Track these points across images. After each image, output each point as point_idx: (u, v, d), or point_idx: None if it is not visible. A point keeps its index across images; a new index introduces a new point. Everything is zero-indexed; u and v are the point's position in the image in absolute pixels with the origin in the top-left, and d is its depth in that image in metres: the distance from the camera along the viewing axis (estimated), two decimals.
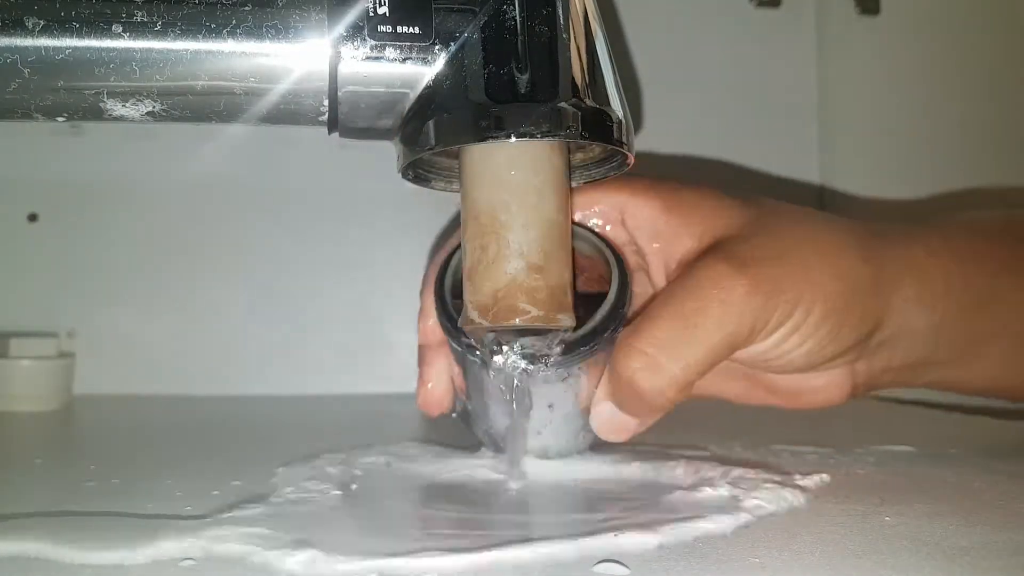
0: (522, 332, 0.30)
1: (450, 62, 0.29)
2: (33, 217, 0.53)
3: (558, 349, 0.31)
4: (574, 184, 0.33)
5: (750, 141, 0.61)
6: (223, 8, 0.28)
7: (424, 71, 0.29)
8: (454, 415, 0.36)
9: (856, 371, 0.35)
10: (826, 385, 0.35)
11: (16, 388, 0.46)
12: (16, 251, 0.52)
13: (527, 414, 0.32)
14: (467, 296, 0.30)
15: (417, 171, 0.33)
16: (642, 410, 0.32)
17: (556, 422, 0.34)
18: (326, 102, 0.30)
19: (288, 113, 0.30)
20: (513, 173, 0.30)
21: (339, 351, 0.55)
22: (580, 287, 0.34)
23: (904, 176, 0.62)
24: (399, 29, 0.29)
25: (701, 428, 0.46)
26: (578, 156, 0.33)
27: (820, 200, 0.62)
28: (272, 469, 0.32)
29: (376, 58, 0.29)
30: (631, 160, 0.32)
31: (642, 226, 0.34)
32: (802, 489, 0.30)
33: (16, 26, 0.27)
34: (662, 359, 0.30)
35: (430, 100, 0.29)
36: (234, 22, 0.28)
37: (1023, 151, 0.64)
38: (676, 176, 0.35)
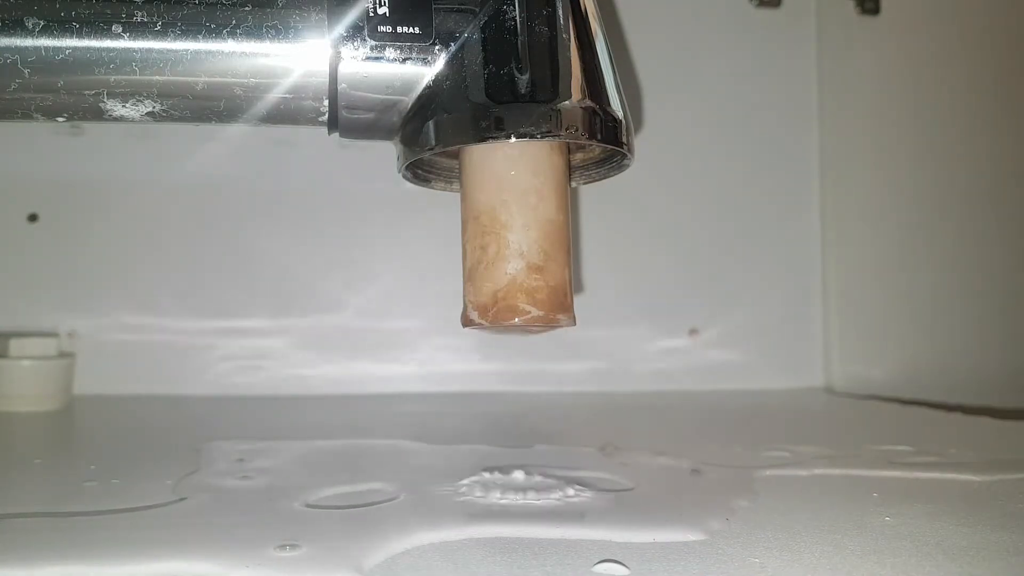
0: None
1: (450, 62, 0.29)
2: (33, 217, 0.53)
3: None
4: (574, 184, 0.33)
5: (750, 141, 0.61)
6: (223, 8, 0.28)
7: (424, 71, 0.29)
8: None
9: None
10: None
11: (16, 388, 0.46)
12: (16, 251, 0.52)
13: None
14: (467, 296, 0.30)
15: (417, 171, 0.33)
16: None
17: None
18: (326, 102, 0.30)
19: (288, 113, 0.30)
20: (513, 173, 0.30)
21: (341, 352, 0.55)
22: None
23: (904, 176, 0.62)
24: (399, 29, 0.29)
25: (700, 430, 0.46)
26: (578, 156, 0.33)
27: (820, 200, 0.62)
28: None
29: (376, 58, 0.29)
30: (631, 160, 0.32)
31: None
32: (802, 489, 0.30)
33: (16, 26, 0.27)
34: None
35: (430, 100, 0.29)
36: (234, 22, 0.28)
37: None
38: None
